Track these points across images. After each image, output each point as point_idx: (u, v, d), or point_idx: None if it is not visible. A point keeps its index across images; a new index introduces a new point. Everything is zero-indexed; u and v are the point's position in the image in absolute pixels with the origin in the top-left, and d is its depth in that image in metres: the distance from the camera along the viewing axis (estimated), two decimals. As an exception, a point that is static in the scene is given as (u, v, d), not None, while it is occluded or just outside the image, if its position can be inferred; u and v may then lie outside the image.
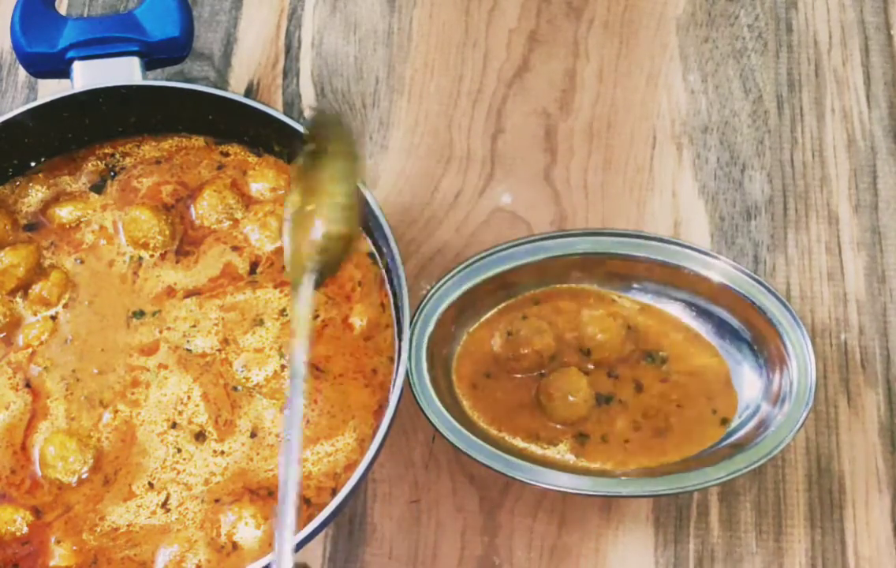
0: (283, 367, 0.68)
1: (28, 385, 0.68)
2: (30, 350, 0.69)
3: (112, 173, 0.74)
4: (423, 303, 0.73)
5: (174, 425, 0.67)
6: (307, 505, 0.65)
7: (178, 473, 0.66)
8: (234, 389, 0.68)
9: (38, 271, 0.71)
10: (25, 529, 0.64)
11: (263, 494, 0.65)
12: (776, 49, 0.86)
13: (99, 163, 0.75)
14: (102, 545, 0.64)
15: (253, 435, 0.67)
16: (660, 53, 0.86)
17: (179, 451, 0.66)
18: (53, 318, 0.70)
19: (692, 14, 0.88)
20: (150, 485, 0.66)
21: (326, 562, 0.71)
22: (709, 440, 0.71)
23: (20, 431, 0.67)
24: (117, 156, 0.75)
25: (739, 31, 0.87)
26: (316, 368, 0.69)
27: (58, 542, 0.64)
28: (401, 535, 0.72)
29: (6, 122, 0.71)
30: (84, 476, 0.65)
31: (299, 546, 0.62)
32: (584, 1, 0.88)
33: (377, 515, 0.72)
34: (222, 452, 0.66)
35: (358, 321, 0.70)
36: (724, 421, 0.72)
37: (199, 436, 0.67)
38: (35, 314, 0.70)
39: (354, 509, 0.72)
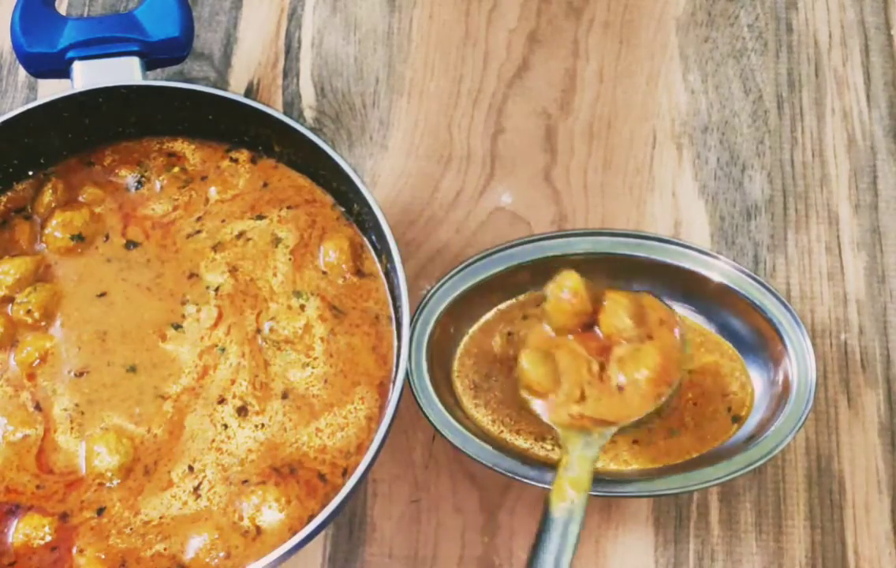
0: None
1: (38, 407, 0.68)
2: (34, 362, 0.69)
3: (139, 182, 0.75)
4: (423, 303, 0.73)
5: (222, 401, 0.68)
6: (324, 482, 0.66)
7: (221, 452, 0.66)
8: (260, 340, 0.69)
9: (32, 282, 0.71)
10: (49, 538, 0.64)
11: (286, 473, 0.66)
12: (776, 49, 0.86)
13: (129, 165, 0.75)
14: (131, 546, 0.64)
15: (285, 397, 0.68)
16: (660, 53, 0.86)
17: (226, 427, 0.67)
18: (48, 332, 0.70)
19: (692, 14, 0.88)
20: (191, 468, 0.66)
21: (326, 562, 0.71)
22: (718, 439, 0.71)
23: (35, 446, 0.67)
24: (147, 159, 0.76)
25: (739, 31, 0.87)
26: (335, 308, 0.70)
27: (80, 551, 0.64)
28: (401, 535, 0.72)
29: (6, 122, 0.71)
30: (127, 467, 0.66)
31: (299, 546, 0.62)
32: (584, 1, 0.88)
33: (377, 514, 0.72)
34: (262, 425, 0.67)
35: (333, 252, 0.71)
36: (737, 418, 0.72)
37: (242, 410, 0.67)
38: (30, 328, 0.70)
39: (354, 509, 0.72)
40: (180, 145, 0.76)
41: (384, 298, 0.71)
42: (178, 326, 0.69)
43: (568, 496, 0.64)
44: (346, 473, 0.66)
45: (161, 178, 0.74)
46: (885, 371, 0.76)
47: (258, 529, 0.64)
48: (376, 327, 0.70)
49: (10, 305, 0.70)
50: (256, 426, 0.67)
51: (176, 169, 0.74)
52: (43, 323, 0.69)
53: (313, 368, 0.69)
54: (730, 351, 0.74)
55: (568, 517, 0.63)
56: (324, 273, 0.72)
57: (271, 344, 0.69)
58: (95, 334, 0.69)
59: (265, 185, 0.74)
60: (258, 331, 0.70)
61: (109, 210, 0.73)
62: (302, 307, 0.70)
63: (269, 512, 0.65)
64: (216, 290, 0.70)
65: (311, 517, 0.64)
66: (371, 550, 0.71)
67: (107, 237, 0.72)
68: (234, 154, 0.75)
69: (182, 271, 0.71)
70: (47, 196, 0.73)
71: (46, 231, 0.72)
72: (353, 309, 0.71)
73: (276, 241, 0.72)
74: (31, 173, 0.74)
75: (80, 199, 0.73)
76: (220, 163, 0.75)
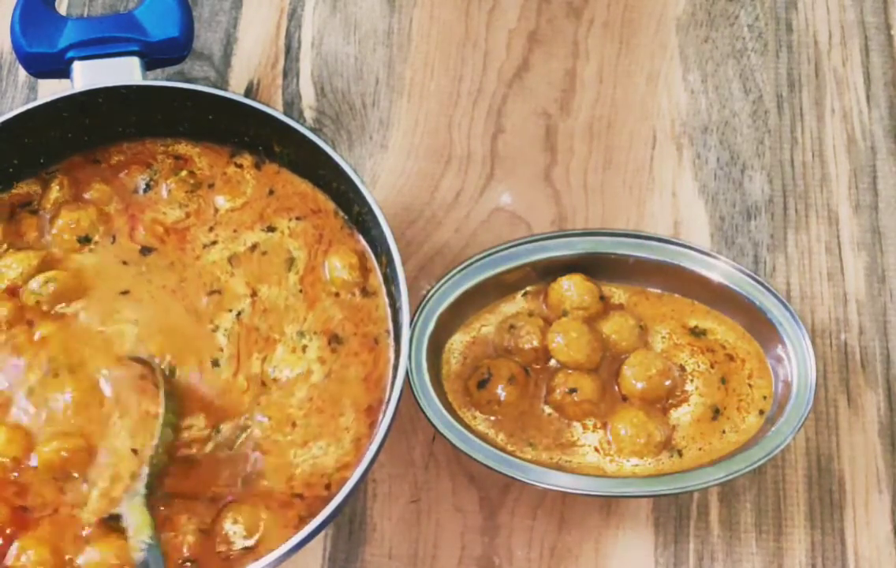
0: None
1: None
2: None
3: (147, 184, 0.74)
4: (423, 303, 0.73)
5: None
6: (300, 499, 0.65)
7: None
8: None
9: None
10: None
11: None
12: (776, 49, 0.86)
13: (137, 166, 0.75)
14: None
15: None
16: (660, 53, 0.86)
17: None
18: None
19: (692, 14, 0.88)
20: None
21: (326, 562, 0.71)
22: (750, 432, 0.71)
23: None
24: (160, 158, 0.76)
25: (739, 31, 0.87)
26: (336, 339, 0.70)
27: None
28: (401, 535, 0.72)
29: (6, 122, 0.71)
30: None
31: (299, 546, 0.62)
32: (584, 1, 0.88)
33: (377, 515, 0.72)
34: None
35: (343, 269, 0.71)
36: (762, 412, 0.72)
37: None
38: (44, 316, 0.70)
39: (354, 509, 0.72)
40: (184, 148, 0.76)
41: (384, 314, 0.71)
42: (216, 363, 0.69)
43: (143, 542, 0.63)
44: (329, 488, 0.66)
45: (168, 181, 0.74)
46: (885, 371, 0.76)
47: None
48: (374, 353, 0.70)
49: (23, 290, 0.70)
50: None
51: (184, 173, 0.74)
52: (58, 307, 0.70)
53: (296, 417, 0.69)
54: (745, 334, 0.74)
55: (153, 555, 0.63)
56: (336, 295, 0.71)
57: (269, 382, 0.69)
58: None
59: (271, 192, 0.74)
60: (262, 381, 0.69)
61: (116, 210, 0.73)
62: (304, 348, 0.70)
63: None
64: (238, 314, 0.70)
65: (309, 518, 0.64)
66: (371, 550, 0.71)
67: (113, 239, 0.72)
68: (238, 159, 0.75)
69: (203, 283, 0.71)
70: (54, 192, 0.73)
71: (54, 230, 0.72)
72: (353, 335, 0.70)
73: (290, 261, 0.72)
74: (34, 172, 0.74)
75: (87, 196, 0.73)
76: (226, 169, 0.75)
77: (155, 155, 0.75)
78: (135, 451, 0.66)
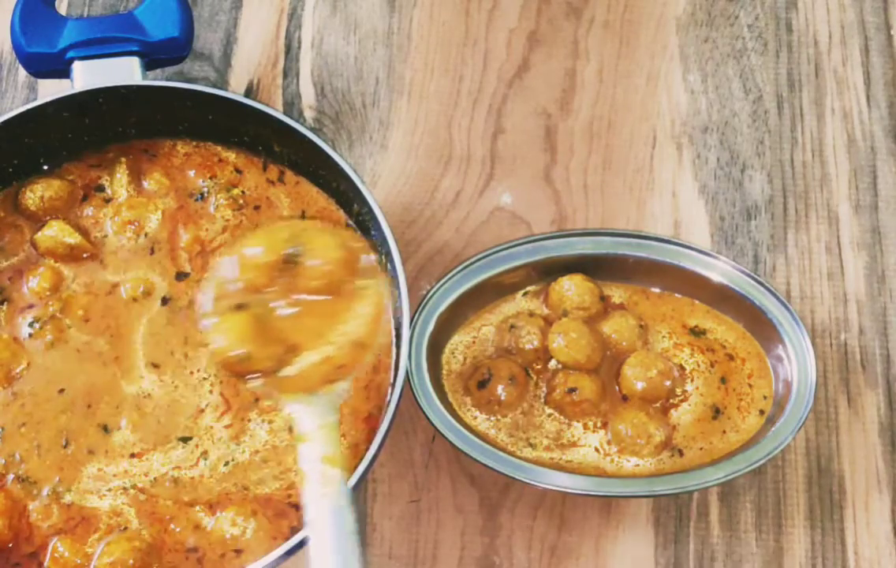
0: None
1: None
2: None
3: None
4: (423, 303, 0.73)
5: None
6: (297, 510, 0.65)
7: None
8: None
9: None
10: None
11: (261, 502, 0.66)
12: (776, 49, 0.87)
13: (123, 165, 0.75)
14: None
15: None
16: (660, 53, 0.86)
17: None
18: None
19: (692, 14, 0.88)
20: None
21: (326, 562, 0.71)
22: (750, 432, 0.71)
23: None
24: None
25: (739, 31, 0.87)
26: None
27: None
28: (401, 535, 0.72)
29: (6, 122, 0.71)
30: None
31: (299, 546, 0.62)
32: (584, 1, 0.88)
33: (377, 515, 0.72)
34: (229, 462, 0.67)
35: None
36: (762, 412, 0.72)
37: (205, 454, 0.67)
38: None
39: (354, 509, 0.72)
40: (235, 157, 0.75)
41: (388, 326, 0.70)
42: (201, 411, 0.68)
43: (329, 480, 0.54)
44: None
45: (219, 196, 0.74)
46: (885, 371, 0.76)
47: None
48: (373, 363, 0.70)
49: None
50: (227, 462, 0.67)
51: (236, 191, 0.74)
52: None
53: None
54: (746, 333, 0.74)
55: (338, 506, 0.54)
56: None
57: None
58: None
59: (303, 214, 0.74)
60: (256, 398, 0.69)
61: (168, 210, 0.73)
62: None
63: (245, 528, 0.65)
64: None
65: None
66: (371, 550, 0.71)
67: (152, 251, 0.72)
68: (268, 175, 0.75)
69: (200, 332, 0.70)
70: (123, 176, 0.73)
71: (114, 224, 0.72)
72: None
73: None
74: (45, 167, 0.74)
75: (146, 185, 0.73)
76: (268, 192, 0.74)
77: (213, 162, 0.74)
78: (362, 345, 0.57)
